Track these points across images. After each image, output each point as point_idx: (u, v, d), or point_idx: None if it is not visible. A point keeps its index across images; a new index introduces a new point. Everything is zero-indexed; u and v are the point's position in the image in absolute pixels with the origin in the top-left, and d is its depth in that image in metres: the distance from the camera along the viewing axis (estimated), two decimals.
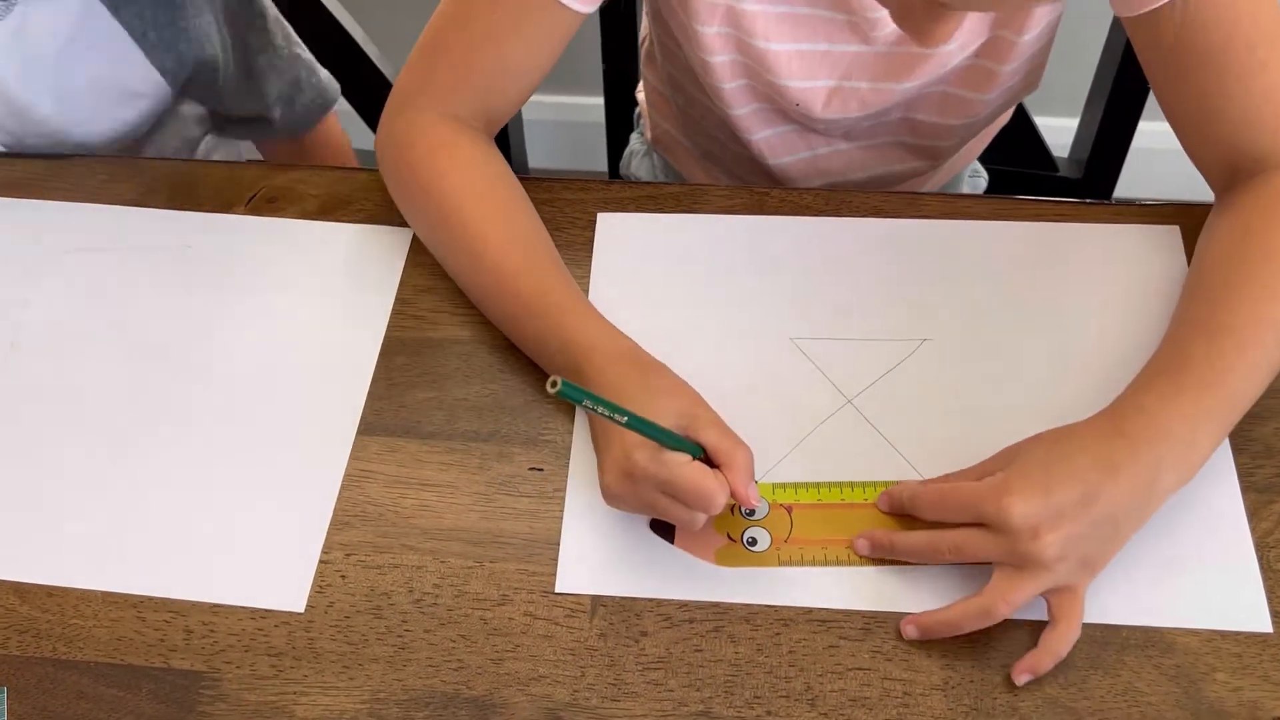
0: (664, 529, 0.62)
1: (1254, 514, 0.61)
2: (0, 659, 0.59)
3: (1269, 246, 0.63)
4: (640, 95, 1.01)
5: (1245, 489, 0.62)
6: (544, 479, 0.64)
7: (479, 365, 0.69)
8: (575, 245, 0.74)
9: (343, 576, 0.61)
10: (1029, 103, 1.00)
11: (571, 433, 0.66)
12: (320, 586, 0.61)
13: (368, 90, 1.01)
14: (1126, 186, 1.12)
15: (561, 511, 0.63)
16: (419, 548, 0.62)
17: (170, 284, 0.73)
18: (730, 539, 0.62)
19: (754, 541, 0.62)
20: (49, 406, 0.68)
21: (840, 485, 0.63)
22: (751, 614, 0.59)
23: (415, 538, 0.62)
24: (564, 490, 0.64)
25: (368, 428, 0.67)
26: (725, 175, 0.92)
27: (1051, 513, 0.55)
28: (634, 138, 1.06)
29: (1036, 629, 0.57)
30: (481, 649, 0.58)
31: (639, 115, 1.04)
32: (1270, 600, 0.58)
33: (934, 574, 0.60)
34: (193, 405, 0.68)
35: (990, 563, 0.57)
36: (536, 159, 1.33)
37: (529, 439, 0.66)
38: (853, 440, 0.65)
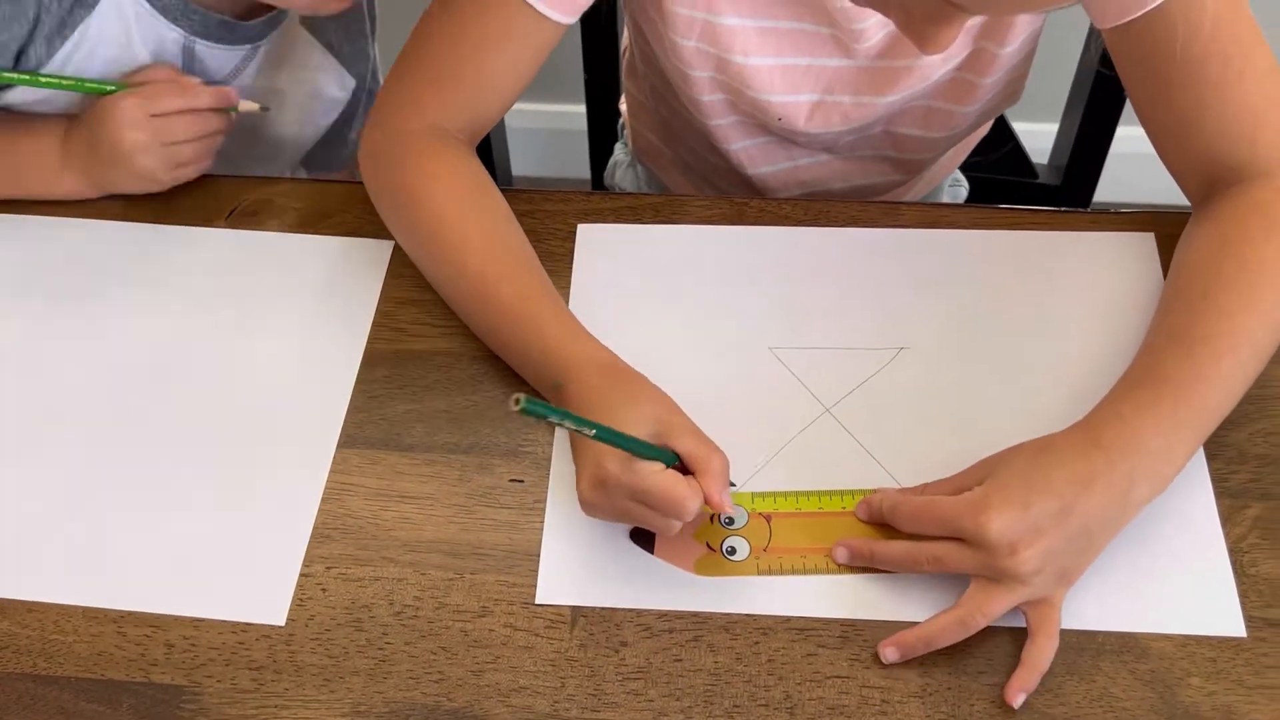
0: (644, 539, 0.62)
1: (1227, 519, 0.62)
2: None
3: (1244, 257, 0.63)
4: (623, 106, 1.02)
5: (1219, 494, 0.63)
6: (524, 490, 0.65)
7: (459, 377, 0.69)
8: (555, 256, 0.74)
9: (323, 589, 0.61)
10: (1009, 109, 1.01)
11: (551, 444, 0.66)
12: (301, 600, 0.61)
13: None
14: (1106, 191, 1.13)
15: (542, 523, 0.63)
16: (399, 560, 0.62)
17: (150, 298, 0.73)
18: (710, 548, 0.62)
19: (733, 551, 0.62)
20: (28, 421, 0.68)
21: (819, 494, 0.63)
22: (731, 623, 0.59)
23: (396, 550, 0.62)
24: (544, 502, 0.64)
25: (348, 440, 0.67)
26: (707, 185, 0.92)
27: (1028, 528, 0.56)
28: (618, 148, 1.06)
29: (1014, 636, 0.58)
30: (462, 661, 0.59)
31: (623, 125, 1.04)
32: (1244, 605, 0.59)
33: (911, 583, 0.60)
34: (172, 419, 0.68)
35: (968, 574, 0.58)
36: (520, 167, 1.33)
37: (509, 451, 0.66)
38: (831, 449, 0.65)
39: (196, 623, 0.60)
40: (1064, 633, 0.58)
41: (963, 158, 0.96)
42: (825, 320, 0.70)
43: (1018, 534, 0.56)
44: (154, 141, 0.75)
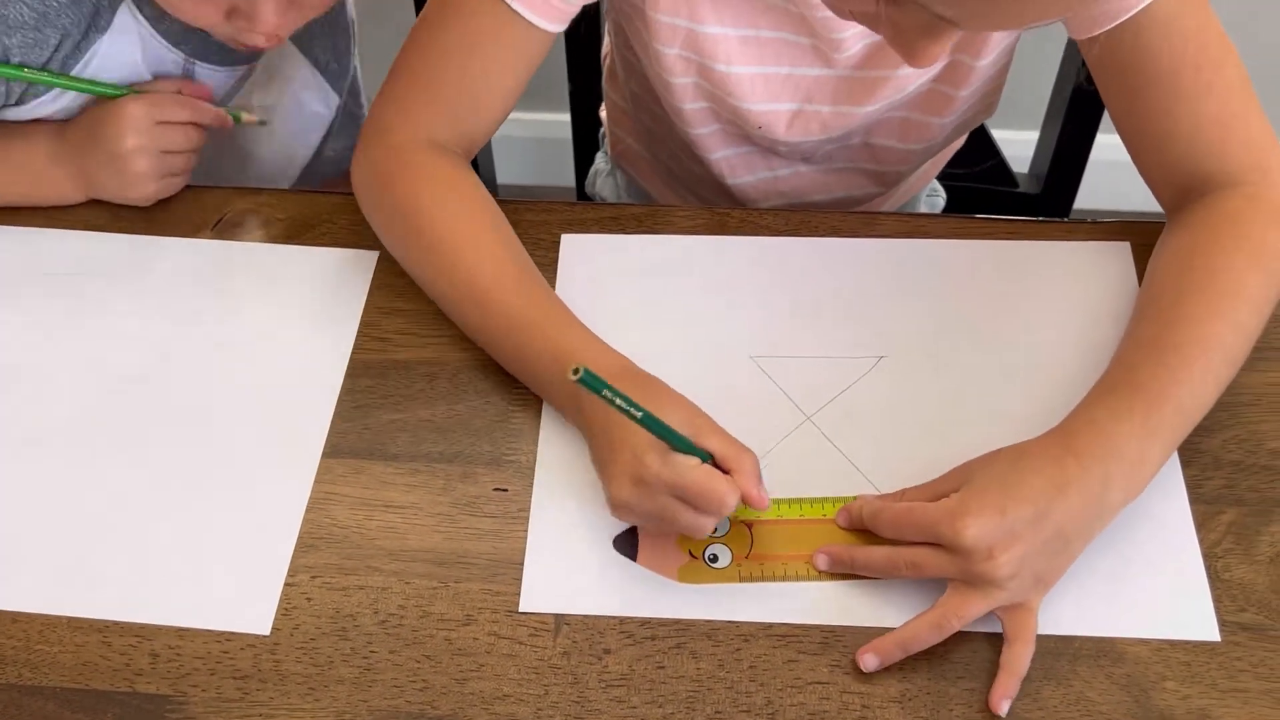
0: (627, 547, 0.63)
1: (1202, 525, 0.63)
2: None
3: (1215, 265, 0.64)
4: (603, 113, 1.03)
5: (1193, 500, 0.64)
6: (508, 499, 0.65)
7: (443, 387, 0.70)
8: (540, 266, 0.74)
9: (308, 598, 0.62)
10: (989, 118, 1.02)
11: (535, 453, 0.67)
12: (285, 609, 0.61)
13: None
14: (1086, 199, 1.14)
15: (525, 531, 0.64)
16: (384, 569, 0.62)
17: (134, 309, 0.74)
18: (692, 556, 0.63)
19: (715, 558, 0.63)
20: (11, 430, 0.68)
21: (800, 501, 0.64)
22: (713, 630, 0.60)
23: (380, 559, 0.63)
24: (528, 510, 0.65)
25: (333, 450, 0.67)
26: (687, 193, 0.93)
27: (1004, 533, 0.57)
28: (599, 157, 1.07)
29: (992, 641, 0.59)
30: (446, 669, 0.59)
31: (603, 134, 1.05)
32: (1218, 609, 0.60)
33: (890, 589, 0.61)
34: (157, 429, 0.68)
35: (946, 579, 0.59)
36: (505, 175, 1.33)
37: (493, 459, 0.67)
38: (812, 457, 0.66)
39: (181, 632, 0.60)
40: (1041, 638, 0.58)
41: (939, 169, 0.97)
42: (806, 329, 0.71)
43: (994, 539, 0.56)
44: (153, 147, 0.76)
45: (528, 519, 0.64)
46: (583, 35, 1.02)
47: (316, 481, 0.66)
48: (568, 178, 1.18)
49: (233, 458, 0.67)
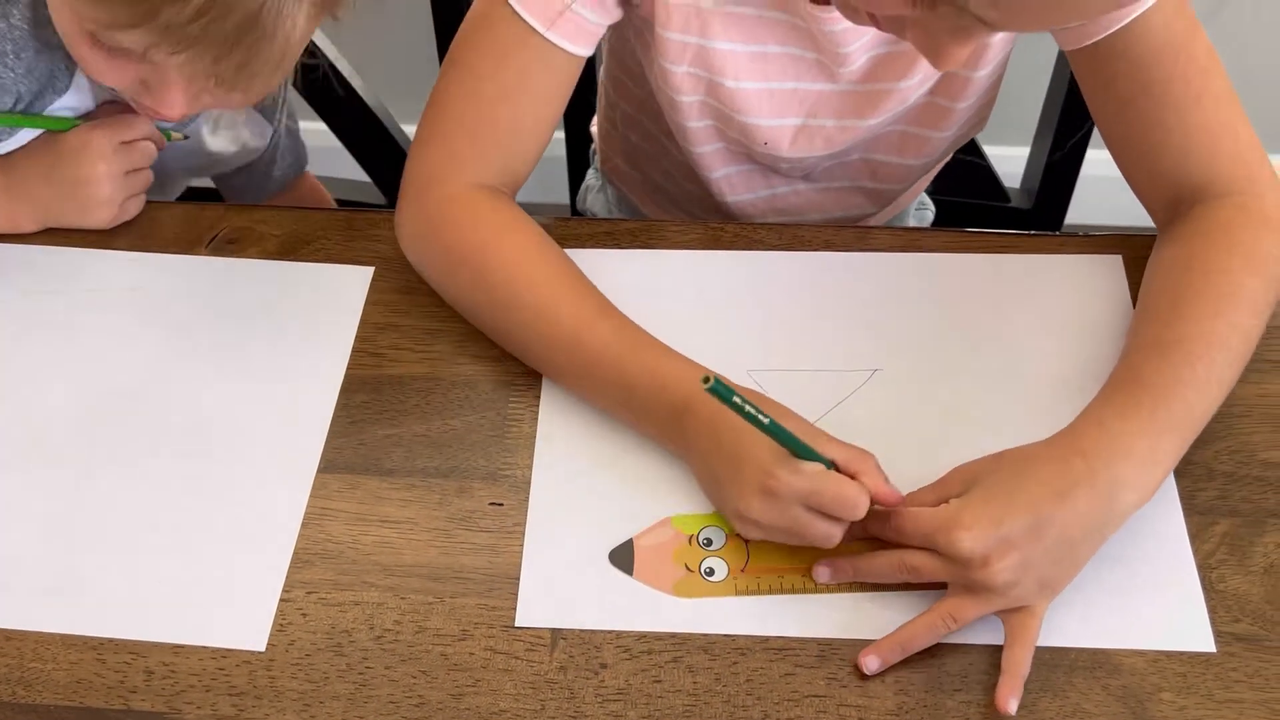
0: (623, 561, 0.63)
1: (1196, 536, 0.63)
2: None
3: (1210, 270, 0.65)
4: (594, 129, 1.03)
5: (1187, 512, 0.64)
6: (503, 514, 0.65)
7: (438, 402, 0.70)
8: None
9: (303, 614, 0.61)
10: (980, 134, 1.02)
11: (530, 467, 0.67)
12: (281, 625, 0.61)
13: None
14: (1077, 214, 1.15)
15: (521, 546, 0.64)
16: (379, 584, 0.62)
17: (130, 326, 0.74)
18: (688, 570, 0.63)
19: (711, 572, 0.62)
20: (6, 447, 0.68)
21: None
22: (709, 644, 0.60)
23: (376, 574, 0.63)
24: (523, 525, 0.65)
25: (328, 465, 0.67)
26: (677, 209, 0.93)
27: (999, 542, 0.57)
28: (590, 173, 1.07)
29: (990, 653, 0.59)
30: (442, 684, 0.59)
31: (594, 151, 1.05)
32: (1213, 620, 0.60)
33: (886, 601, 0.61)
34: (152, 445, 0.68)
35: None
36: None
37: (488, 474, 0.67)
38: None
39: (176, 649, 0.60)
40: (1037, 649, 0.58)
41: (927, 182, 0.98)
42: (801, 343, 0.71)
43: (988, 548, 0.57)
44: (118, 170, 0.77)
45: (523, 533, 0.64)
46: None
47: (312, 497, 0.66)
48: (561, 193, 1.19)
49: (228, 473, 0.67)
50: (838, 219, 0.89)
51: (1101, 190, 1.06)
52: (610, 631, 0.60)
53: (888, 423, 0.68)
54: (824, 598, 0.61)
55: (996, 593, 0.57)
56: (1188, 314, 0.64)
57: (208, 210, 0.81)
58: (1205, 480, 0.65)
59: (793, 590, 0.62)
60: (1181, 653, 0.59)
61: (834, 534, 0.59)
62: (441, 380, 0.71)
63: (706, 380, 0.54)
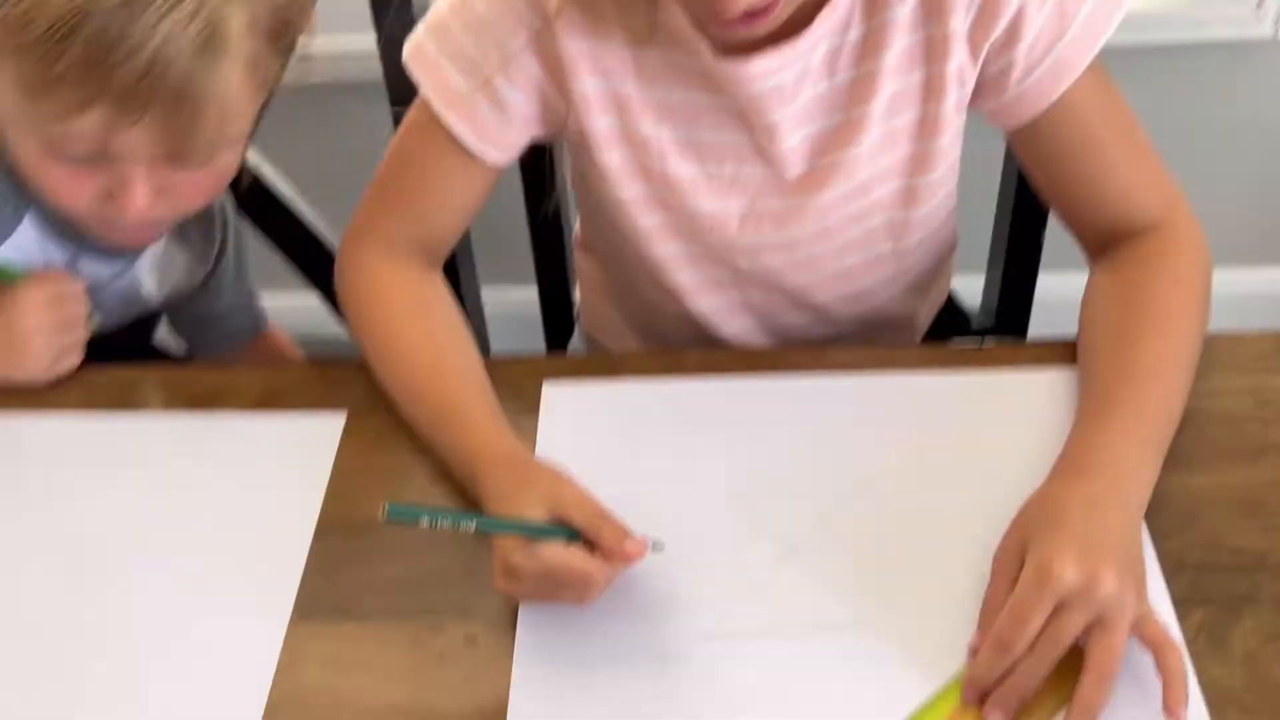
0: None
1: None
2: None
3: (1148, 294, 0.73)
4: (577, 296, 1.06)
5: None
6: (479, 649, 0.65)
7: (410, 542, 0.70)
8: (523, 414, 0.75)
9: None
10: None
11: (500, 601, 0.66)
12: None
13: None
14: (1039, 328, 1.17)
15: (502, 679, 0.63)
16: None
17: (108, 483, 0.75)
18: None
19: None
20: None
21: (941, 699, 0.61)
22: None
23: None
24: (500, 658, 0.64)
25: (301, 612, 0.67)
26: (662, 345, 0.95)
27: (1089, 551, 0.59)
28: (575, 337, 1.09)
29: None
30: None
31: (578, 312, 1.08)
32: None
33: None
34: (122, 600, 0.68)
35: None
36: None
37: (462, 610, 0.66)
38: (800, 585, 0.66)
39: None
40: None
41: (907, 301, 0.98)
42: (781, 464, 0.72)
43: (1085, 566, 0.58)
44: (52, 325, 0.80)
45: (503, 665, 0.63)
46: (548, 218, 1.07)
47: (285, 644, 0.65)
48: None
49: (201, 623, 0.67)
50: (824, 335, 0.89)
51: (1059, 314, 1.09)
52: None
53: (872, 538, 0.68)
54: None
55: (1118, 603, 0.58)
56: (1140, 342, 0.70)
57: (185, 372, 0.83)
58: (1176, 571, 0.65)
59: None
60: None
61: (584, 598, 0.62)
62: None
63: (382, 511, 0.58)
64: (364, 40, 0.95)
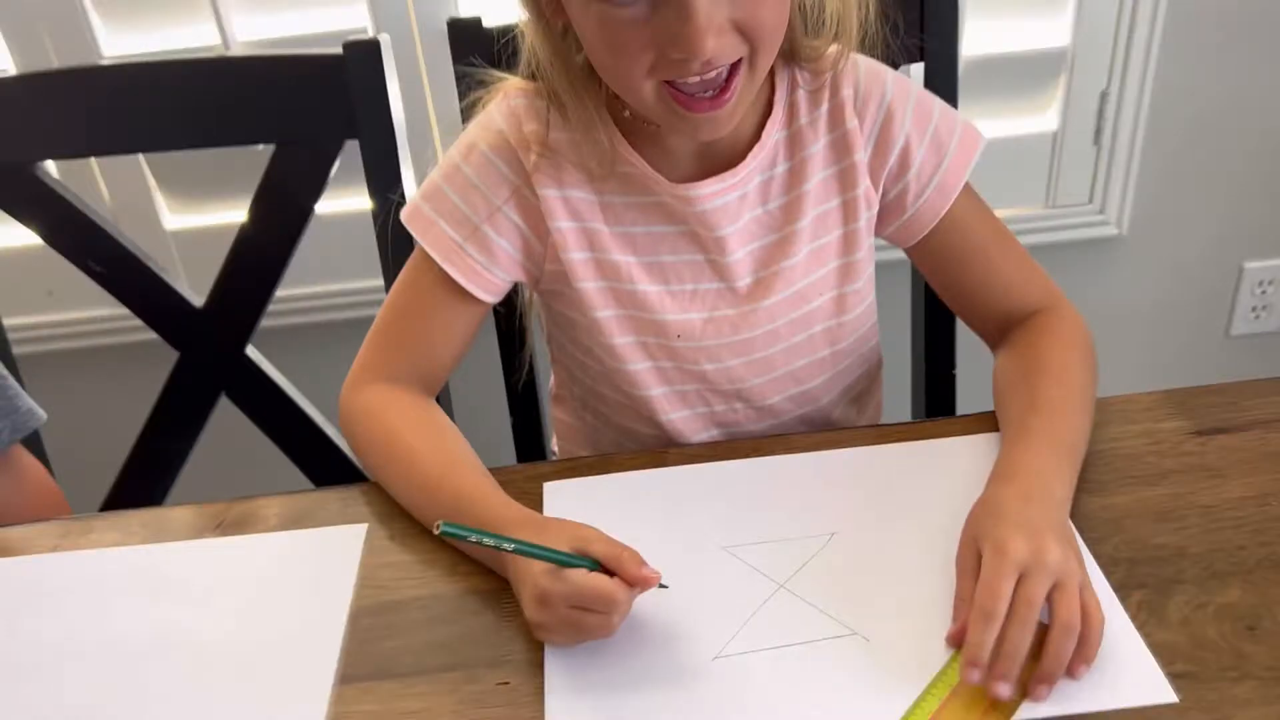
0: None
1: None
2: None
3: (1046, 359, 0.88)
4: (554, 448, 1.16)
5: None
6: (513, 690, 0.71)
7: (440, 612, 0.77)
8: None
9: None
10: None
11: (529, 651, 0.73)
12: None
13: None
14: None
15: (536, 713, 0.69)
16: None
17: (147, 604, 0.80)
18: None
19: None
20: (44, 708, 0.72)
21: (927, 698, 0.68)
22: None
23: None
24: (533, 694, 0.70)
25: (345, 678, 0.73)
26: None
27: (1028, 530, 0.71)
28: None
29: None
30: None
31: (552, 450, 1.17)
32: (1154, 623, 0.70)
33: None
34: (168, 689, 0.73)
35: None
36: None
37: (493, 661, 0.73)
38: (791, 610, 0.75)
39: None
40: None
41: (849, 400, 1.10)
42: (762, 520, 0.82)
43: (1034, 540, 0.71)
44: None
45: (533, 703, 0.69)
46: (519, 388, 1.19)
47: (332, 703, 0.71)
48: None
49: (249, 699, 0.72)
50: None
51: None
52: None
53: (851, 574, 0.77)
54: None
55: (1064, 565, 0.70)
56: (1043, 388, 0.85)
57: (210, 506, 0.90)
58: (1111, 566, 0.75)
59: None
60: (1147, 707, 0.66)
61: (610, 624, 0.70)
62: (439, 597, 0.78)
63: (438, 527, 0.68)
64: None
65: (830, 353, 0.97)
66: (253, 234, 1.11)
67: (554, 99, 0.87)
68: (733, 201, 0.89)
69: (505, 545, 0.67)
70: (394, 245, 1.02)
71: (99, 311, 1.62)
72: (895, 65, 0.96)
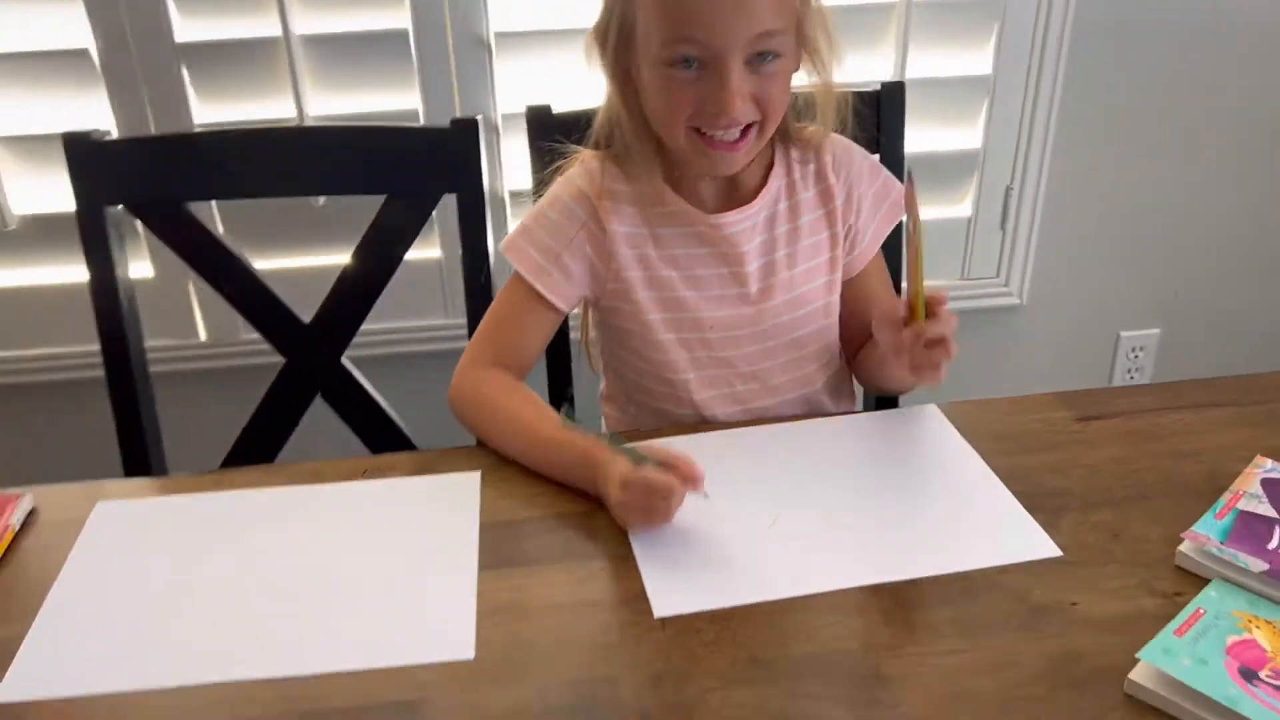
0: None
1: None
2: None
3: None
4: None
5: (1034, 510, 1.06)
6: (612, 570, 1.00)
7: (545, 526, 1.05)
8: None
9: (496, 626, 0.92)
10: None
11: (624, 543, 1.02)
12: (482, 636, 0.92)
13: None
14: None
15: (634, 581, 0.98)
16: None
17: (320, 529, 1.07)
18: None
19: None
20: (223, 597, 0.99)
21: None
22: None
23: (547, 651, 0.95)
24: (631, 568, 0.99)
25: (483, 565, 1.01)
26: None
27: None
28: None
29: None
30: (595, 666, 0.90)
31: None
32: (1050, 532, 1.02)
33: (924, 541, 0.99)
34: (359, 589, 1.00)
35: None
36: None
37: (591, 555, 1.02)
38: (805, 509, 1.05)
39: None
40: (942, 580, 0.97)
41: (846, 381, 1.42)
42: (774, 462, 1.13)
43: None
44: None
45: (631, 572, 0.98)
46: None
47: (478, 584, 0.98)
48: None
49: (416, 590, 0.99)
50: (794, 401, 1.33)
51: None
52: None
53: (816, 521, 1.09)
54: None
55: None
56: None
57: (353, 460, 1.17)
58: (1021, 500, 1.08)
59: None
60: (1038, 561, 0.98)
61: (669, 507, 1.00)
62: (542, 516, 1.07)
63: (563, 414, 1.04)
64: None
65: (820, 347, 1.32)
66: (358, 266, 1.40)
67: (624, 154, 1.21)
68: (748, 228, 1.24)
69: (617, 441, 0.99)
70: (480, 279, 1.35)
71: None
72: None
